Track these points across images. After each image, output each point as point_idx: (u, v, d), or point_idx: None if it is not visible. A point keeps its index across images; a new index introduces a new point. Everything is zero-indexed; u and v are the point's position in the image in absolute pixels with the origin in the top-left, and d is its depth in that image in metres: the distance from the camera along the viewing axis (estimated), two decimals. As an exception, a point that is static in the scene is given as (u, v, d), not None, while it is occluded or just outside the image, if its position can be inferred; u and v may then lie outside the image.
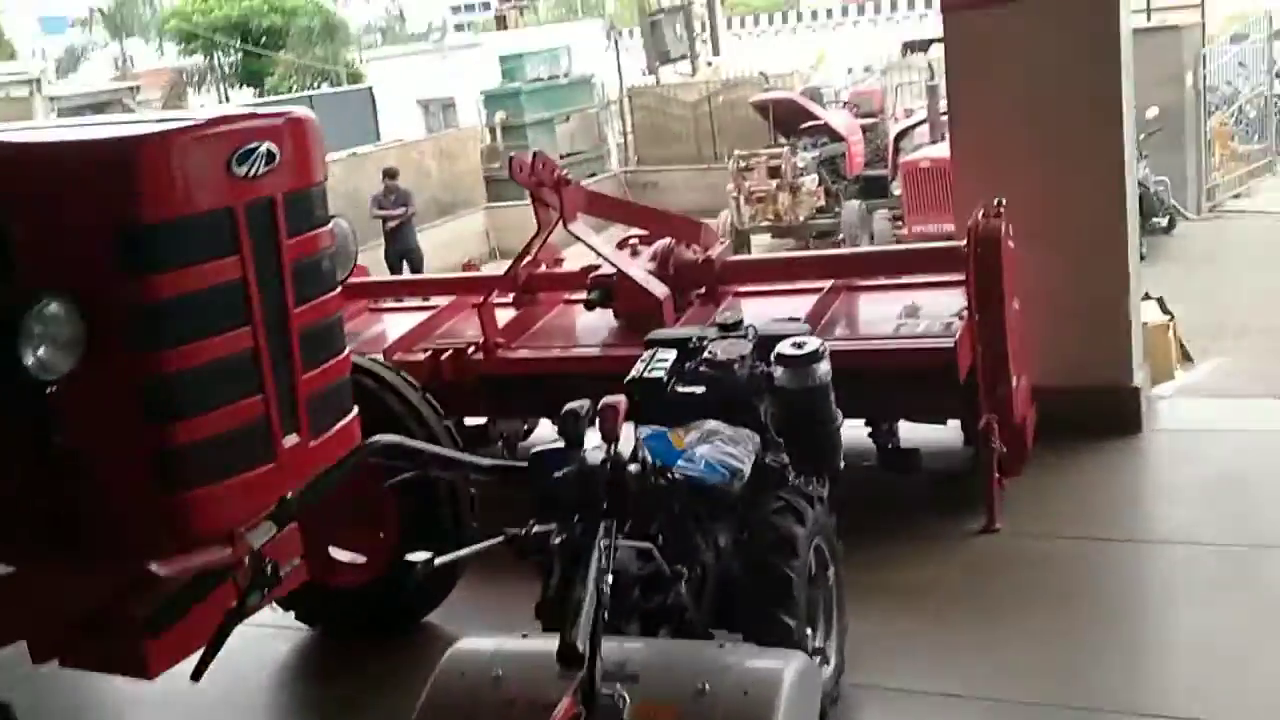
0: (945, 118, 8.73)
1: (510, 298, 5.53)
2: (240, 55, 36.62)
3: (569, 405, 2.47)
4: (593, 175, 24.34)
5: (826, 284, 5.14)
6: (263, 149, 3.13)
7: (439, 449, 2.56)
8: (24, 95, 28.86)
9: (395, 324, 5.98)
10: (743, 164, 18.04)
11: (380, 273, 18.70)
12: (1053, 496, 4.92)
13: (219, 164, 3.06)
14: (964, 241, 4.74)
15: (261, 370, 3.20)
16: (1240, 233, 16.65)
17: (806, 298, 5.21)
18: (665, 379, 3.88)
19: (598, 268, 5.27)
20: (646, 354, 4.04)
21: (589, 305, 5.11)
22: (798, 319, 4.84)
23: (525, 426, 5.99)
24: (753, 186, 18.01)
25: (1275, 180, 19.33)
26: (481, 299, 5.21)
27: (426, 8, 48.72)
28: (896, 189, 17.07)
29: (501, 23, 29.38)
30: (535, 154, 4.89)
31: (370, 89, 27.69)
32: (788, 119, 18.81)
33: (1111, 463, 5.24)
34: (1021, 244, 4.75)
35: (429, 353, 5.25)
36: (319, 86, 33.13)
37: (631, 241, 5.37)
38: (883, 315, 4.95)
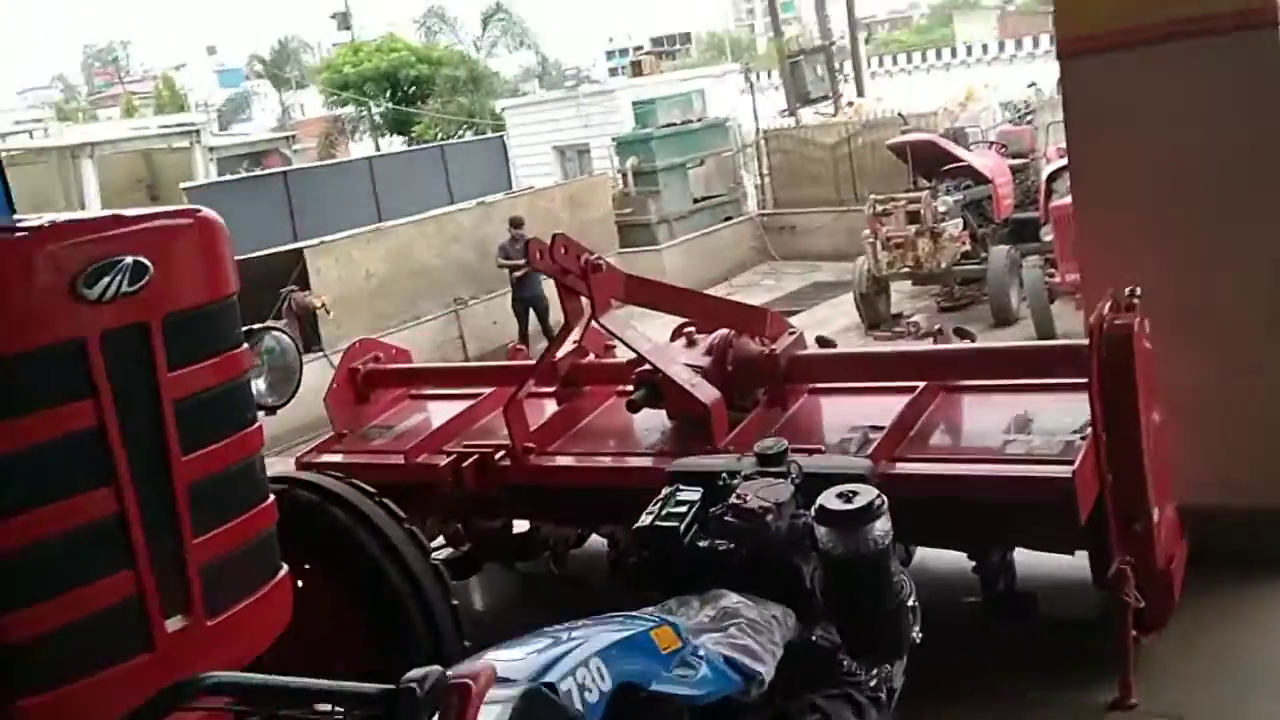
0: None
1: (552, 390, 4.79)
2: (389, 105, 37.20)
3: (407, 678, 1.66)
4: (729, 219, 23.68)
5: (920, 383, 4.23)
6: (125, 263, 2.44)
7: (279, 680, 1.86)
8: (185, 146, 29.83)
9: (434, 415, 5.30)
10: (879, 208, 17.00)
11: (506, 318, 18.56)
12: (1206, 659, 3.87)
13: (59, 285, 2.38)
14: (1087, 340, 3.79)
15: (130, 539, 2.51)
16: None
17: (896, 398, 4.32)
18: (682, 529, 3.08)
19: (641, 360, 4.48)
20: (665, 491, 3.24)
21: (632, 406, 4.32)
22: (875, 431, 3.96)
23: (579, 531, 5.22)
24: (890, 232, 16.95)
25: None
26: (512, 393, 4.47)
27: (577, 52, 48.97)
28: (1048, 234, 15.79)
29: (637, 68, 28.91)
30: (556, 238, 4.13)
31: (502, 137, 27.52)
32: (928, 161, 17.68)
33: (1284, 610, 4.16)
34: (1163, 337, 3.75)
35: (451, 457, 4.54)
36: (463, 135, 33.33)
37: (688, 330, 4.56)
38: (987, 426, 4.00)
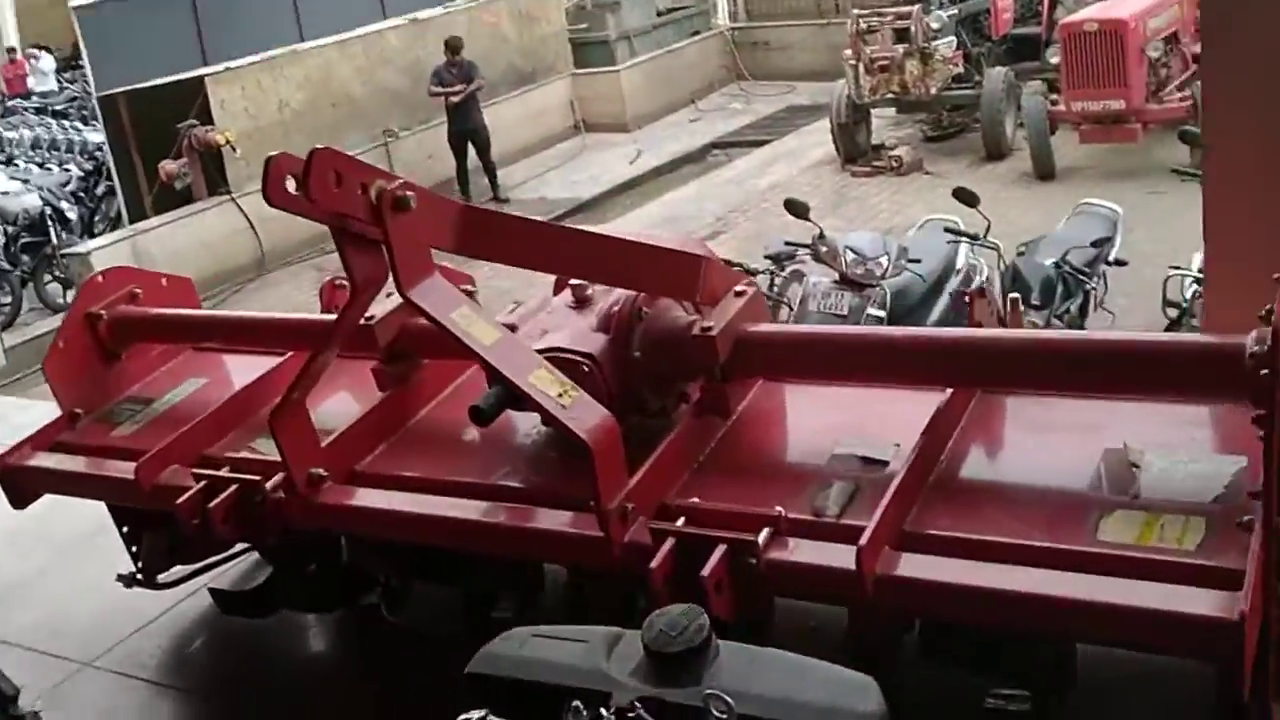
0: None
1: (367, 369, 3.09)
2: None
3: None
4: (695, 34, 21.40)
5: (945, 389, 2.55)
6: None
7: None
8: None
9: (216, 385, 3.60)
10: (864, 25, 14.91)
11: (442, 152, 16.46)
12: None
13: None
14: (1251, 341, 2.12)
15: None
16: None
17: (903, 398, 2.66)
18: None
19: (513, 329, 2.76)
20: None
21: (478, 417, 2.62)
22: (871, 466, 2.32)
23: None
24: (876, 52, 14.92)
25: None
26: (291, 387, 2.76)
27: None
28: (1053, 57, 13.87)
29: None
30: (317, 156, 2.30)
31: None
32: (920, -31, 15.51)
33: None
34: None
35: (202, 484, 2.88)
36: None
37: (576, 283, 2.81)
38: (1063, 474, 2.34)
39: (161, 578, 3.71)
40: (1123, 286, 8.56)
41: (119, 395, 3.56)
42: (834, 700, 1.50)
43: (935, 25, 14.61)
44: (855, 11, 15.27)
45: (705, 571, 2.21)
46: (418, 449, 2.99)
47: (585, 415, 2.41)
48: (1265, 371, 2.01)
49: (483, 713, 1.59)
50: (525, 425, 2.91)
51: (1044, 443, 2.46)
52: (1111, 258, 8.34)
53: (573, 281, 2.85)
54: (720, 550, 2.25)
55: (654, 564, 2.27)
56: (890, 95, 15.18)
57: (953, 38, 14.87)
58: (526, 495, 2.70)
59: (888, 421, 2.61)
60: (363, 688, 3.51)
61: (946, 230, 8.00)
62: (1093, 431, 2.43)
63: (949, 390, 2.52)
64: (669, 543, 2.30)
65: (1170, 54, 13.48)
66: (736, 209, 14.54)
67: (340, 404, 3.10)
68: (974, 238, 7.88)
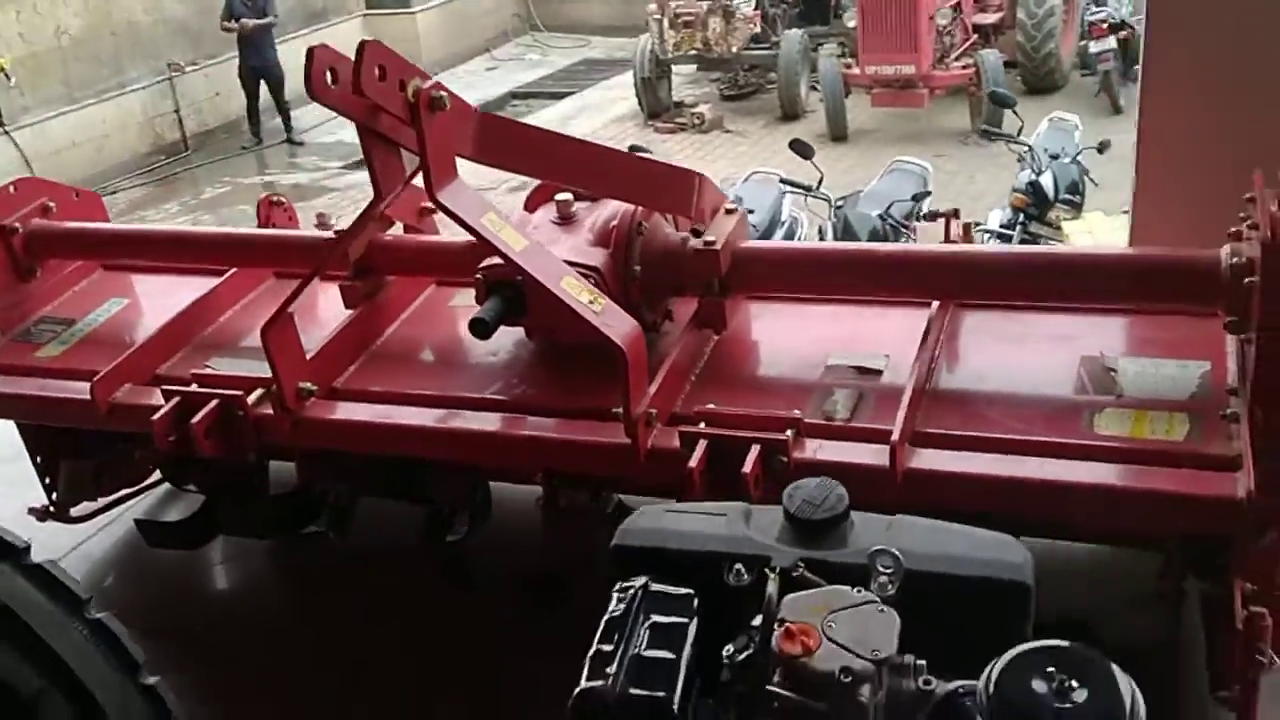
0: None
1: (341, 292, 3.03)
2: None
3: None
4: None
5: (931, 301, 2.74)
6: None
7: None
8: None
9: (144, 307, 3.44)
10: (667, -21, 15.17)
11: (232, 89, 15.67)
12: None
13: None
14: (1227, 254, 2.39)
15: None
16: None
17: (884, 315, 2.85)
18: (675, 699, 1.57)
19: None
20: (618, 603, 1.69)
21: (480, 330, 2.64)
22: (866, 375, 2.49)
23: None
24: (679, 8, 15.21)
25: None
26: (284, 304, 2.69)
27: None
28: (850, 21, 14.48)
29: None
30: (366, 48, 2.27)
31: None
32: (721, -75, 15.83)
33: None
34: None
35: (175, 400, 2.77)
36: None
37: (561, 199, 2.85)
38: (1049, 379, 2.57)
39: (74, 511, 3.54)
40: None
41: (33, 315, 3.35)
42: (985, 553, 1.65)
43: (735, -17, 15.02)
44: (659, -34, 15.49)
45: (746, 469, 2.33)
46: (396, 365, 2.96)
47: (618, 323, 2.47)
48: (1249, 279, 2.28)
49: (643, 580, 1.66)
50: (501, 342, 2.93)
51: (1024, 352, 2.68)
52: (924, 211, 8.85)
53: (558, 198, 2.89)
54: (755, 450, 2.36)
55: (693, 463, 2.36)
56: (694, 52, 15.51)
57: (753, -3, 15.33)
58: (527, 408, 2.73)
59: (873, 336, 2.79)
60: (288, 617, 3.46)
61: (783, 182, 8.32)
62: (1067, 341, 2.68)
63: (935, 304, 2.72)
64: (702, 445, 2.40)
65: (954, 23, 14.30)
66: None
67: (304, 321, 3.01)
68: (808, 189, 8.24)
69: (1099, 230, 7.75)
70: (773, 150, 13.04)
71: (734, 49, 15.36)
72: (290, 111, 15.56)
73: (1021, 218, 8.40)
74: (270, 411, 2.73)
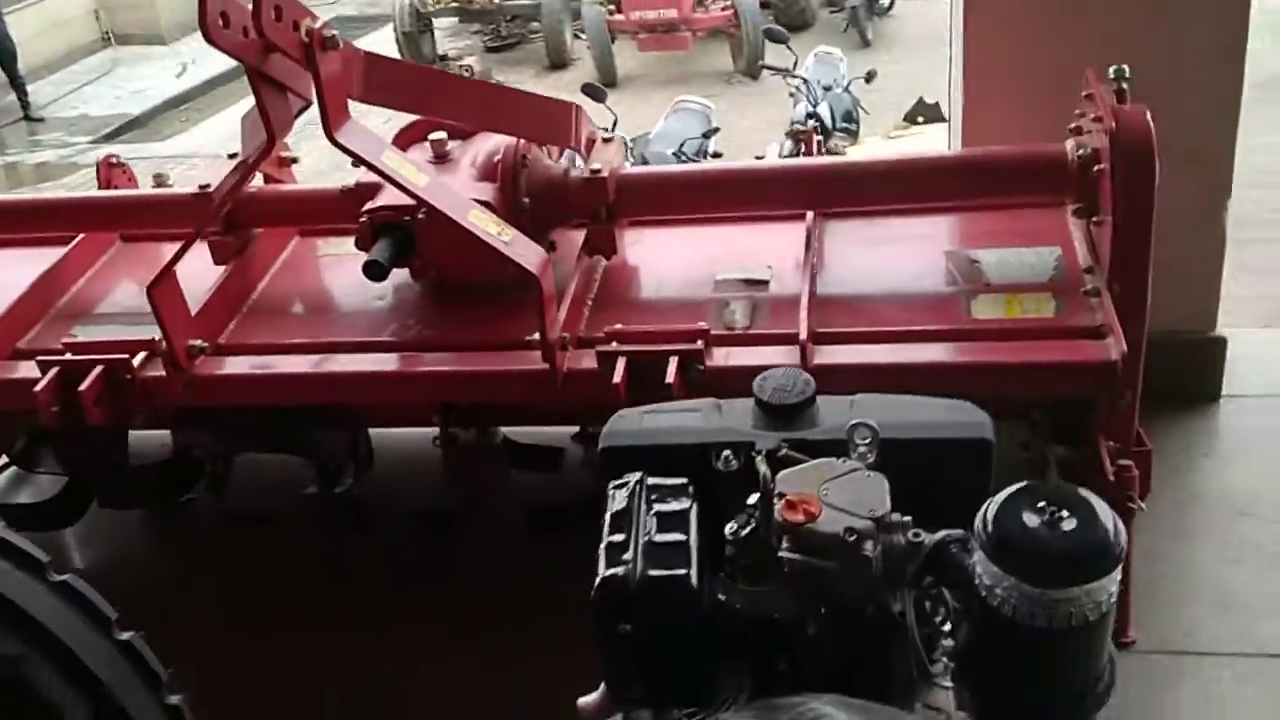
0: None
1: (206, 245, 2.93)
2: None
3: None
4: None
5: (806, 212, 2.89)
6: None
7: None
8: None
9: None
10: (423, -68, 14.93)
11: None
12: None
13: None
14: (1072, 147, 2.64)
15: None
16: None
17: (763, 236, 2.99)
18: (693, 576, 1.67)
19: (371, 188, 2.74)
20: (619, 495, 1.77)
21: (375, 271, 2.62)
22: (755, 286, 2.64)
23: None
24: (437, -42, 15.05)
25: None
26: (170, 262, 2.59)
27: None
28: (611, -33, 14.63)
29: None
30: None
31: None
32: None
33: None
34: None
35: (54, 371, 2.64)
36: None
37: (435, 138, 2.84)
38: (925, 274, 2.77)
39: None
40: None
41: None
42: (948, 416, 1.81)
43: (497, -68, 14.92)
44: (414, -85, 15.20)
45: (670, 379, 2.43)
46: (280, 318, 2.90)
47: (526, 251, 2.51)
48: (1098, 167, 2.53)
49: (638, 475, 1.74)
50: (384, 287, 2.91)
51: (894, 253, 2.87)
52: (711, 150, 9.13)
53: (432, 137, 2.89)
54: (674, 361, 2.47)
55: (616, 379, 2.45)
56: (454, 4, 15.34)
57: (512, -56, 15.28)
58: (427, 346, 2.74)
59: (751, 250, 2.92)
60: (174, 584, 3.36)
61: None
62: (929, 240, 2.89)
63: (810, 215, 2.88)
64: (622, 362, 2.49)
65: (712, -34, 14.69)
66: (313, 121, 14.08)
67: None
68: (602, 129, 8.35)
69: (879, 154, 8.25)
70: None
71: (495, 1, 15.29)
72: (26, 86, 14.53)
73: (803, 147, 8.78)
74: (160, 373, 2.65)
